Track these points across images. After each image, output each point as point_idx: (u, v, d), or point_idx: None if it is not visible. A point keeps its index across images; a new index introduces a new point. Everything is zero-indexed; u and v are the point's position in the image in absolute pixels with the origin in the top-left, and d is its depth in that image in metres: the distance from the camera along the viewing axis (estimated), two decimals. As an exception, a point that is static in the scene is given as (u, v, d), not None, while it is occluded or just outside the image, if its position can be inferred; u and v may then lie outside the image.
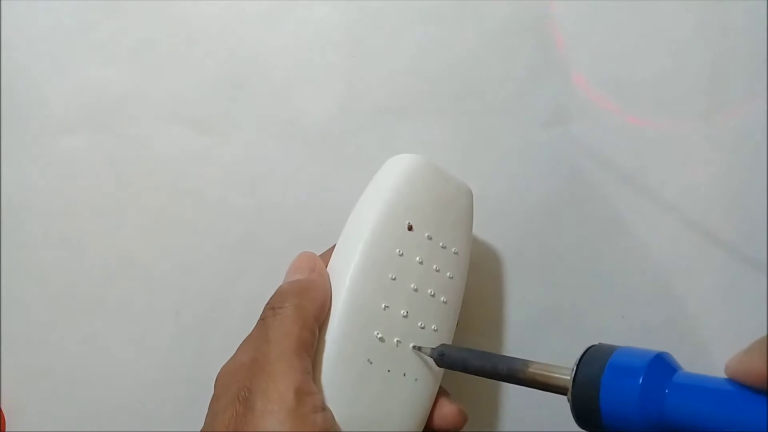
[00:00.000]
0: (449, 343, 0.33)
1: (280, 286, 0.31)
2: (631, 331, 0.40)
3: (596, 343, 0.27)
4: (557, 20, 0.40)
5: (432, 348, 0.31)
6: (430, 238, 0.33)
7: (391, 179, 0.33)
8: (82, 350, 0.39)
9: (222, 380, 0.28)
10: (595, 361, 0.25)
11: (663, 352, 0.25)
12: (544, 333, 0.40)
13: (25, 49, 0.39)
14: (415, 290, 0.32)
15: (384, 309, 0.31)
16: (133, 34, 0.39)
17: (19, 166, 0.39)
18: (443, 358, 0.30)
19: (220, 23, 0.39)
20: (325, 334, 0.30)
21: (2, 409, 0.39)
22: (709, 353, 0.40)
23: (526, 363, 0.28)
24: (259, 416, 0.26)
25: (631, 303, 0.40)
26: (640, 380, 0.24)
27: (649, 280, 0.40)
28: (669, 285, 0.40)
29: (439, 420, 0.33)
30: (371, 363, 0.30)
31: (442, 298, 0.33)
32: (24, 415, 0.39)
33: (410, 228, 0.32)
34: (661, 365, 0.24)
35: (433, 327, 0.32)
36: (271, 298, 0.30)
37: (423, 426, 0.32)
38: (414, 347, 0.31)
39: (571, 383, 0.25)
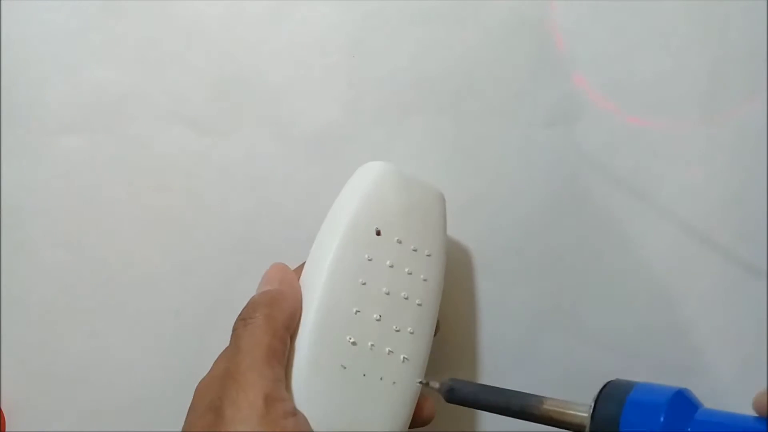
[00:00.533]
0: (426, 345, 0.33)
1: (251, 297, 0.31)
2: (631, 332, 0.40)
3: (614, 378, 0.26)
4: (557, 20, 0.40)
5: (441, 382, 0.30)
6: (399, 242, 0.33)
7: (358, 187, 0.33)
8: (82, 350, 0.39)
9: (198, 392, 0.29)
10: (613, 398, 0.25)
11: (684, 389, 0.24)
12: (544, 333, 0.40)
13: (25, 49, 0.39)
14: (387, 294, 0.32)
15: (355, 314, 0.31)
16: (133, 34, 0.39)
17: (19, 166, 0.39)
18: (452, 393, 0.30)
19: (220, 23, 0.39)
20: (297, 342, 0.30)
21: (2, 409, 0.39)
22: (709, 354, 0.40)
23: (540, 399, 0.27)
24: (229, 423, 0.26)
25: (631, 303, 0.40)
26: (662, 418, 0.23)
27: (649, 281, 0.40)
28: (668, 285, 0.40)
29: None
30: (345, 368, 0.30)
31: (416, 301, 0.33)
32: (24, 415, 0.39)
33: (378, 233, 0.32)
34: (682, 402, 0.24)
35: (408, 330, 0.32)
36: (242, 310, 0.31)
37: (406, 428, 0.32)
38: (421, 382, 0.32)
39: (588, 420, 0.25)
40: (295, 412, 0.28)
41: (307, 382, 0.30)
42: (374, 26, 0.39)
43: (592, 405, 0.25)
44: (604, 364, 0.40)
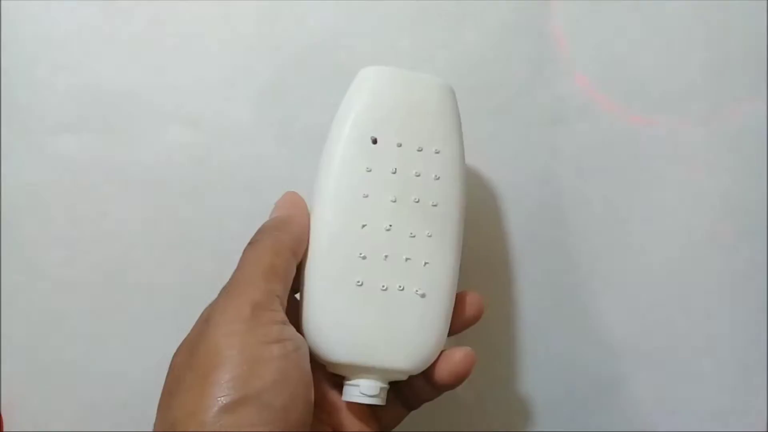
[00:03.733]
0: (451, 246, 0.32)
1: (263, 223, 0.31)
2: (631, 332, 0.40)
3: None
4: (558, 20, 0.40)
5: None
6: (400, 146, 0.31)
7: (349, 100, 0.32)
8: (82, 350, 0.39)
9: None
10: None
11: None
12: (544, 333, 0.40)
13: (25, 49, 0.39)
14: (394, 201, 0.31)
15: (362, 228, 0.30)
16: (133, 34, 0.39)
17: (19, 165, 0.39)
18: None
19: (220, 23, 0.39)
20: (308, 267, 0.30)
21: (1, 409, 0.39)
22: (709, 354, 0.40)
23: None
24: (213, 327, 0.26)
25: (631, 303, 0.40)
26: None
27: (649, 281, 0.40)
28: (669, 286, 0.40)
29: (443, 364, 0.32)
30: (361, 284, 0.30)
31: (430, 202, 0.31)
32: (23, 415, 0.39)
33: (374, 141, 0.31)
34: None
35: (426, 233, 0.31)
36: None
37: (440, 347, 0.31)
38: None
39: None
40: (283, 322, 0.28)
41: (323, 304, 0.30)
42: (374, 26, 0.39)
43: None
44: (604, 364, 0.40)
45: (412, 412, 0.34)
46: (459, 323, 0.33)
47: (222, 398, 0.25)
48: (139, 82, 0.39)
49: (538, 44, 0.39)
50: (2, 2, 0.39)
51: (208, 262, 0.40)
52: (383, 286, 0.30)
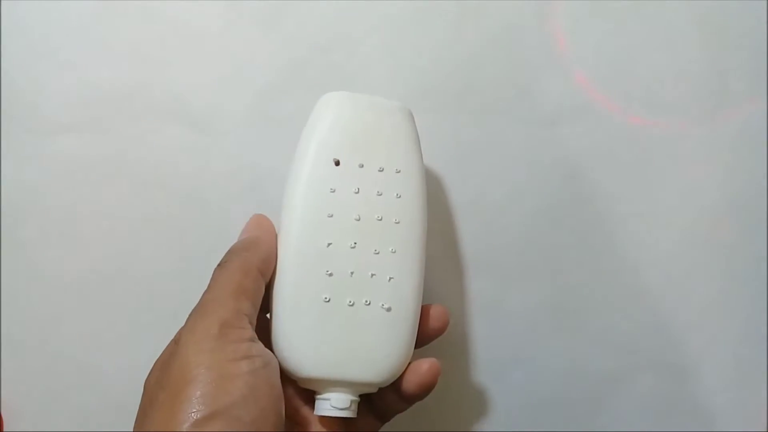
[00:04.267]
0: (414, 262, 0.33)
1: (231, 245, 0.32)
2: (632, 332, 0.40)
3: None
4: (558, 20, 0.40)
5: None
6: (361, 166, 0.33)
7: (311, 122, 0.33)
8: (81, 350, 0.39)
9: None
10: None
11: None
12: (544, 333, 0.40)
13: (25, 49, 0.39)
14: (358, 219, 0.32)
15: (327, 246, 0.31)
16: (133, 34, 0.39)
17: (19, 166, 0.39)
18: None
19: (220, 22, 0.39)
20: (275, 287, 0.31)
21: (1, 409, 0.39)
22: (709, 354, 0.40)
23: None
24: (182, 347, 0.27)
25: (631, 303, 0.40)
26: None
27: (649, 281, 0.40)
28: (668, 285, 0.40)
29: (411, 375, 0.33)
30: (329, 300, 0.31)
31: (393, 220, 0.33)
32: (22, 415, 0.39)
33: (337, 163, 0.32)
34: None
35: (390, 249, 0.32)
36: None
37: (407, 359, 0.32)
38: None
39: None
40: (252, 339, 0.29)
41: (292, 321, 0.31)
42: (374, 26, 0.39)
43: None
44: (604, 364, 0.40)
45: (406, 416, 0.34)
46: (425, 335, 0.34)
47: (193, 414, 0.25)
48: (139, 82, 0.39)
49: (538, 44, 0.39)
50: (2, 2, 0.39)
51: (208, 263, 0.39)
52: (350, 302, 0.31)
